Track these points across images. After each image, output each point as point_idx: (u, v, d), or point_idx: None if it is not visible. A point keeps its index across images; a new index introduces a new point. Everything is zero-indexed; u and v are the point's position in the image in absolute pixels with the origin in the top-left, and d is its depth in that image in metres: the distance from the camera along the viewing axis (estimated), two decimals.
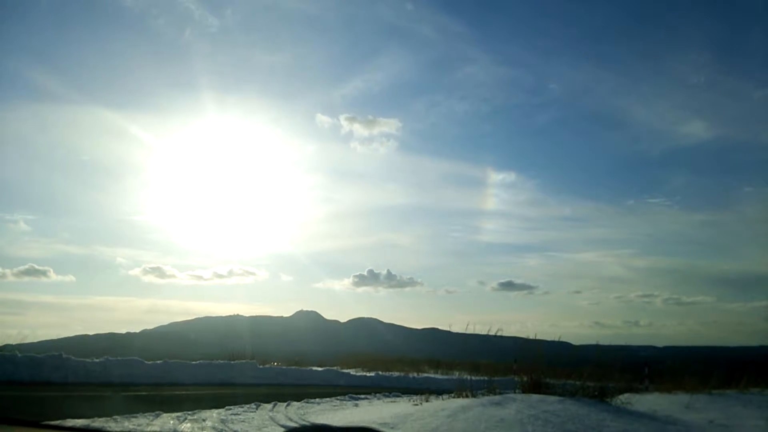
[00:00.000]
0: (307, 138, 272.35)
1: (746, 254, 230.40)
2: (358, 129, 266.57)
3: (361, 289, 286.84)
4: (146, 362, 15.37)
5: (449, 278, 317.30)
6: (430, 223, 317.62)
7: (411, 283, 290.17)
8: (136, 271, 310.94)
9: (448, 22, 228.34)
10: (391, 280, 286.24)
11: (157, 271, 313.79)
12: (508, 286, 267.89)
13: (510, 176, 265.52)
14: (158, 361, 15.79)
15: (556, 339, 12.03)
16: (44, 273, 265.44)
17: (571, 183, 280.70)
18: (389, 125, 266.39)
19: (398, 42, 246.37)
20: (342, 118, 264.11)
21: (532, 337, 10.89)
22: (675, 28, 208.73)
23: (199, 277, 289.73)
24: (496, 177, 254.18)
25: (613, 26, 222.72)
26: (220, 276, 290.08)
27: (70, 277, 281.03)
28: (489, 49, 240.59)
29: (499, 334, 10.68)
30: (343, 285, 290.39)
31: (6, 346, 14.43)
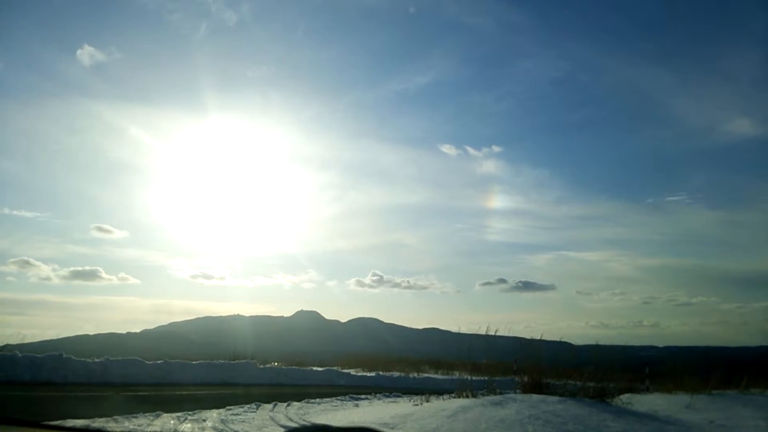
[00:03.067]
0: (322, 137, 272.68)
1: (760, 253, 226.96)
2: (380, 130, 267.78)
3: (369, 290, 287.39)
4: (146, 362, 15.36)
5: (461, 278, 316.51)
6: (441, 223, 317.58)
7: (422, 284, 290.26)
8: (141, 271, 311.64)
9: (510, 14, 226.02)
10: (402, 281, 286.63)
11: (163, 272, 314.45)
12: (519, 286, 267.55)
13: (538, 175, 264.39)
14: (158, 361, 15.77)
15: (557, 339, 12.02)
16: (95, 274, 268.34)
17: (596, 181, 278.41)
18: (419, 127, 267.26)
19: (453, 37, 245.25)
20: (367, 119, 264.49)
21: (533, 337, 10.88)
22: (728, 25, 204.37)
23: (206, 277, 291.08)
24: (521, 176, 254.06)
25: (666, 22, 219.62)
26: (224, 276, 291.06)
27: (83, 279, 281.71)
28: (544, 43, 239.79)
29: (499, 334, 10.67)
30: (353, 285, 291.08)
31: (6, 346, 14.42)
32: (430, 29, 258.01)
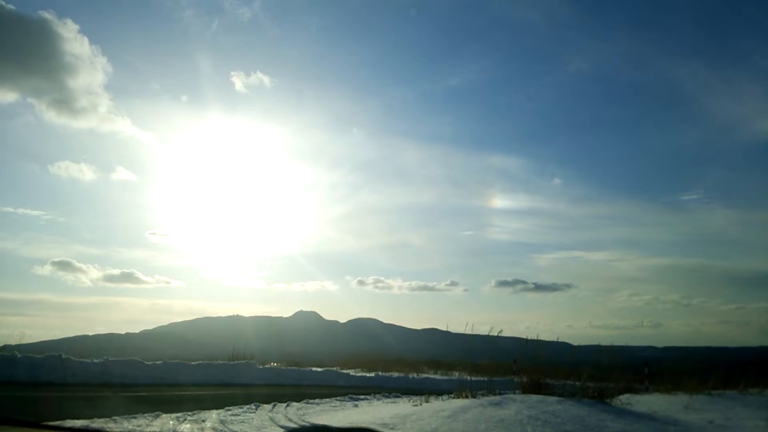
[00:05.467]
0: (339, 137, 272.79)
1: (766, 253, 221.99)
2: (402, 128, 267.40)
3: (374, 290, 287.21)
4: (146, 363, 15.35)
5: (470, 278, 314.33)
6: (450, 222, 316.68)
7: (429, 285, 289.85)
8: (146, 271, 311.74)
9: (557, 8, 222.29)
10: (410, 282, 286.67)
11: (168, 272, 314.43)
12: (528, 287, 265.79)
13: (559, 174, 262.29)
14: (158, 362, 15.77)
15: (557, 339, 12.02)
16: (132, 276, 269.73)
17: (616, 180, 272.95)
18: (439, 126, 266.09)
19: (488, 36, 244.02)
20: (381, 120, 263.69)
21: (533, 337, 10.88)
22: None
23: (208, 278, 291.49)
24: (542, 176, 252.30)
25: (718, 15, 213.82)
26: (227, 277, 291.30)
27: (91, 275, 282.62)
28: (589, 38, 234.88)
29: (499, 334, 10.67)
30: (358, 285, 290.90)
31: (5, 347, 14.39)
32: (468, 26, 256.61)
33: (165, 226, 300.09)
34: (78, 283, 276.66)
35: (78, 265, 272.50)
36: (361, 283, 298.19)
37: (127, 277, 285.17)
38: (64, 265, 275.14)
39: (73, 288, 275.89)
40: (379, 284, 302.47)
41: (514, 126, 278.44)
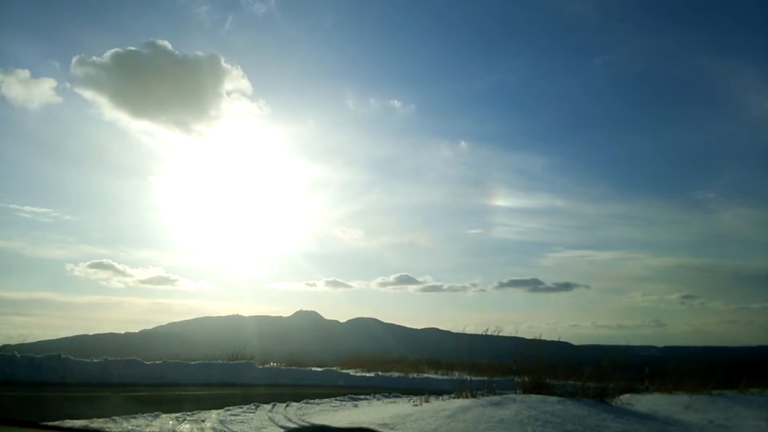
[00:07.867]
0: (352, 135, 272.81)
1: None
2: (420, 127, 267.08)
3: (380, 290, 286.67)
4: (146, 362, 15.33)
5: (477, 278, 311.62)
6: (456, 222, 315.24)
7: (435, 284, 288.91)
8: (153, 271, 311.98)
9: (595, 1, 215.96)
10: (419, 281, 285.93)
11: (171, 271, 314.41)
12: (536, 286, 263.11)
13: (575, 173, 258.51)
14: (158, 362, 15.75)
15: (557, 339, 12.01)
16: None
17: (633, 179, 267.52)
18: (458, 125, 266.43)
19: (531, 34, 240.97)
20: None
21: (533, 337, 10.87)
22: None
23: (210, 278, 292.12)
24: (559, 175, 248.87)
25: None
26: (229, 276, 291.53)
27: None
28: (617, 35, 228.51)
29: (499, 334, 10.66)
30: (371, 285, 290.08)
31: (5, 347, 14.38)
32: (502, 24, 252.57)
33: (177, 227, 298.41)
34: (112, 284, 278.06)
35: (121, 267, 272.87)
36: (383, 283, 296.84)
37: (165, 280, 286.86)
38: (103, 266, 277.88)
39: (108, 288, 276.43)
40: (399, 284, 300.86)
41: (538, 124, 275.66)
